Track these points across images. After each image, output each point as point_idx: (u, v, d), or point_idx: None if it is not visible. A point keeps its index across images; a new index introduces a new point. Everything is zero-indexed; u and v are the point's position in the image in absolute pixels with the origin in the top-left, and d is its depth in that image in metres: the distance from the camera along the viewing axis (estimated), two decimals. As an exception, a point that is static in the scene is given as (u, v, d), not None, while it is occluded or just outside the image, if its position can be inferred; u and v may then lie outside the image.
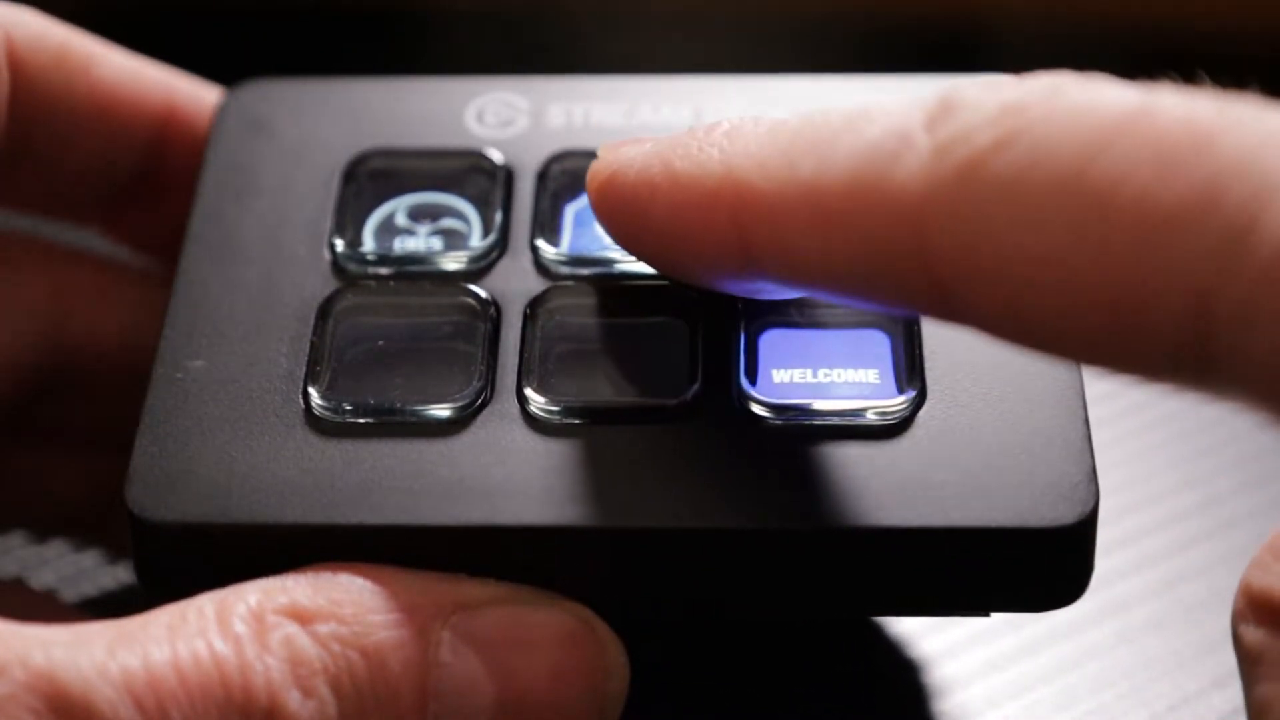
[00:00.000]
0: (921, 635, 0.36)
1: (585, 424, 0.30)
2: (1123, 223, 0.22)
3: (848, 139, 0.25)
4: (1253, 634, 0.28)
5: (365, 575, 0.28)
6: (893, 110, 0.25)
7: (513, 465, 0.29)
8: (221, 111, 0.35)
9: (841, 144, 0.25)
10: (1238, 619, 0.28)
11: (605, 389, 0.30)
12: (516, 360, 0.31)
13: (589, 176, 0.29)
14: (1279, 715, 0.27)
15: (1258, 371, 0.22)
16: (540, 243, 0.32)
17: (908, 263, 0.25)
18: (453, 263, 0.32)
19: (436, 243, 0.33)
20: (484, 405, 0.30)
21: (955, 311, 0.25)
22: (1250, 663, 0.28)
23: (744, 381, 0.30)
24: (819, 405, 0.30)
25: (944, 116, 0.24)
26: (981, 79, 0.25)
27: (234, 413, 0.30)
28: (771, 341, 0.31)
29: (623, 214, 0.29)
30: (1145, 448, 0.41)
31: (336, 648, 0.27)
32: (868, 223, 0.25)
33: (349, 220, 0.33)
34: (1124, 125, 0.23)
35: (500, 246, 0.33)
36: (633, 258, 0.31)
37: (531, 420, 0.30)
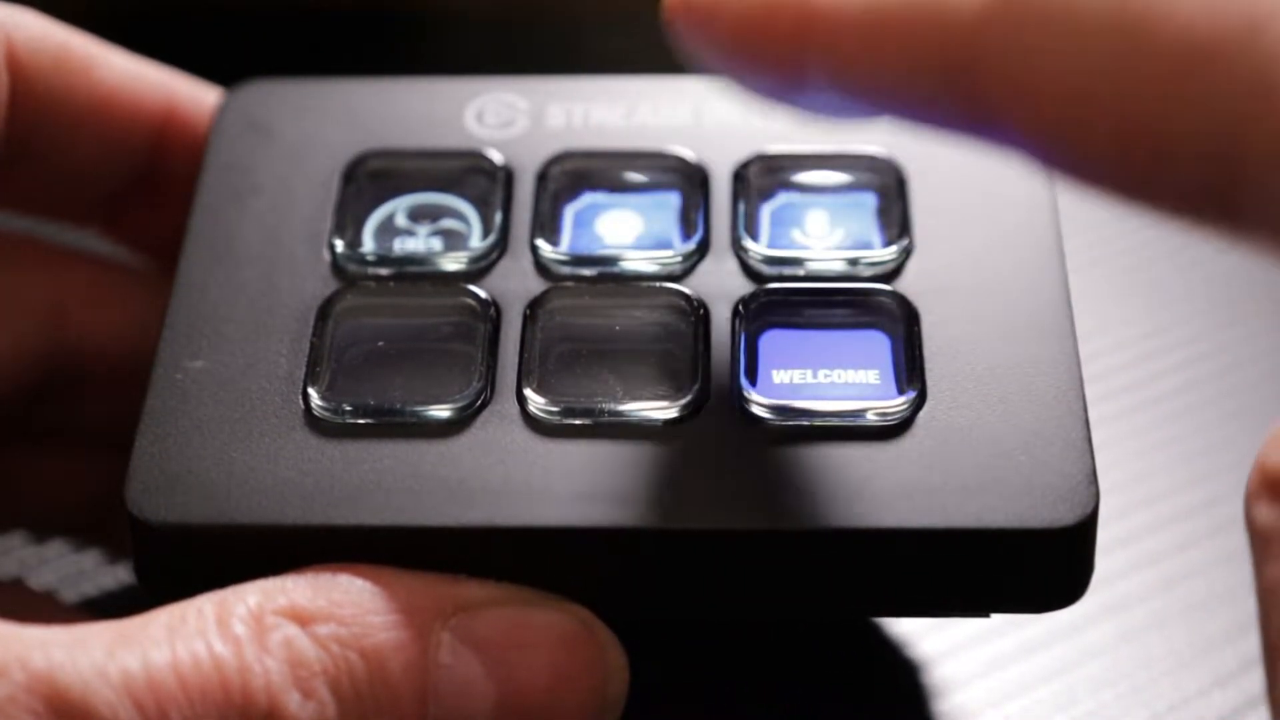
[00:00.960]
0: (921, 635, 0.36)
1: (585, 425, 0.30)
2: (1163, 54, 0.23)
3: None
4: (1266, 513, 0.27)
5: (365, 576, 0.28)
6: None
7: (512, 466, 0.29)
8: (221, 112, 0.35)
9: None
10: (1251, 499, 0.28)
11: (605, 390, 0.30)
12: (516, 361, 0.31)
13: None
14: None
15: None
16: (540, 243, 0.32)
17: (958, 83, 0.25)
18: (453, 263, 0.32)
19: (436, 243, 0.33)
20: (484, 406, 0.30)
21: (1000, 132, 0.25)
22: (1261, 542, 0.27)
23: (744, 382, 0.30)
24: (819, 406, 0.30)
25: None
26: None
27: (234, 413, 0.30)
28: (771, 342, 0.31)
29: (692, 22, 0.28)
30: (1145, 448, 0.41)
31: (336, 649, 0.27)
32: (921, 41, 0.25)
33: (349, 221, 0.33)
34: None
35: (500, 247, 0.33)
36: (632, 248, 0.31)
37: (531, 421, 0.30)
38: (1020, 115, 0.24)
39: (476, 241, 0.33)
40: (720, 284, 0.32)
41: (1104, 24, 0.23)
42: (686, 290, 0.31)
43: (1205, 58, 0.22)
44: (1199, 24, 0.22)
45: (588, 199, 0.33)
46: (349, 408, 0.30)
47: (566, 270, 0.32)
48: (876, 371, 0.30)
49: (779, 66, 0.27)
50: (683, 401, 0.30)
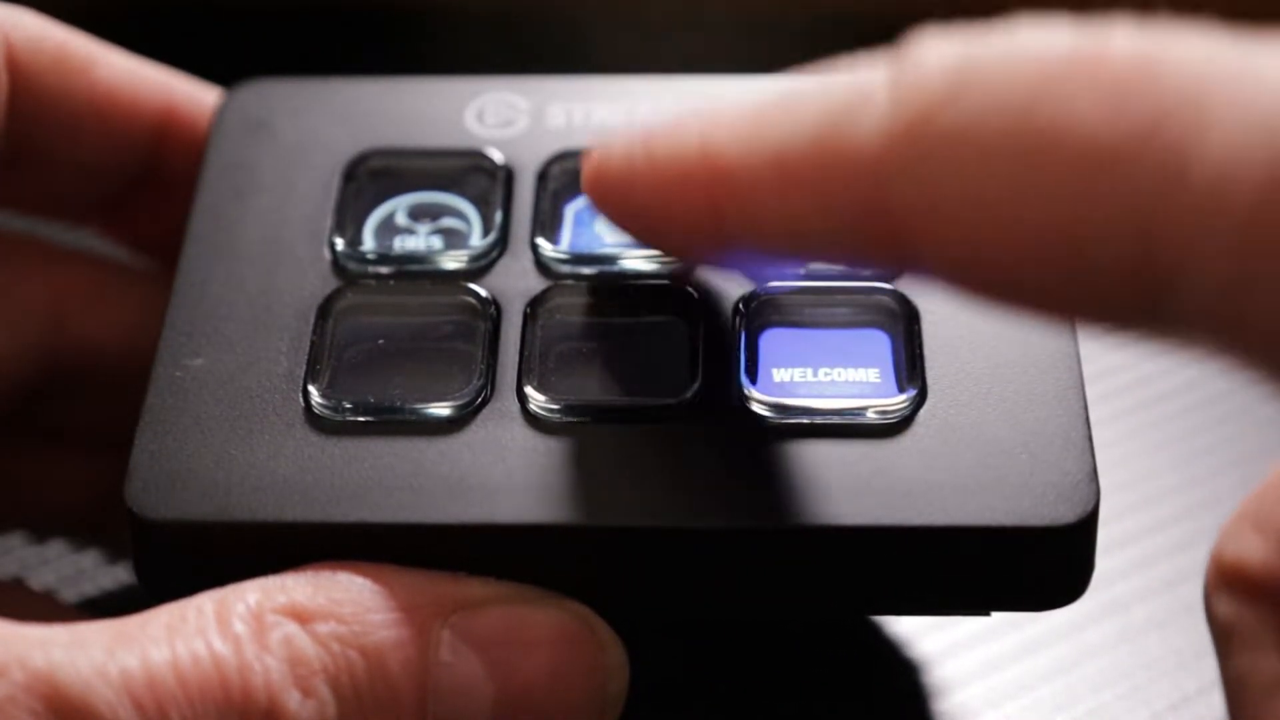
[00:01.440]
0: (921, 635, 0.36)
1: (585, 423, 0.30)
2: (1068, 163, 0.22)
3: (813, 102, 0.25)
4: (1226, 606, 0.27)
5: (365, 574, 0.28)
6: (859, 70, 0.25)
7: (513, 464, 0.29)
8: (221, 111, 0.35)
9: (807, 107, 0.25)
10: (1210, 592, 0.28)
11: (605, 388, 0.30)
12: (516, 359, 0.31)
13: (583, 164, 0.29)
14: (1256, 689, 0.27)
15: (1203, 306, 0.22)
16: (540, 242, 0.32)
17: (869, 219, 0.25)
18: (453, 262, 0.32)
19: (436, 242, 0.33)
20: (484, 404, 0.30)
21: (919, 265, 0.25)
22: (1224, 637, 0.28)
23: (744, 380, 0.30)
24: (819, 404, 0.30)
25: (901, 71, 0.25)
26: (947, 31, 0.25)
27: (234, 411, 0.30)
28: (772, 340, 0.31)
29: (609, 202, 0.29)
30: (1145, 448, 0.41)
31: (336, 647, 0.27)
32: (829, 182, 0.25)
33: (349, 219, 0.33)
34: (1073, 66, 0.23)
35: (500, 246, 0.33)
36: (632, 247, 0.31)
37: (531, 419, 0.30)
38: (936, 244, 0.24)
39: (477, 240, 0.33)
40: (720, 283, 0.32)
41: (1007, 142, 0.23)
42: (686, 289, 0.31)
43: (1110, 161, 0.22)
44: (1100, 130, 0.22)
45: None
46: (349, 405, 0.30)
47: (566, 269, 0.32)
48: (877, 370, 0.30)
49: (698, 230, 0.27)
50: (683, 399, 0.30)
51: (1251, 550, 0.27)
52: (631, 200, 0.28)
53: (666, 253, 0.29)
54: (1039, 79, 0.23)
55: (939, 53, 0.24)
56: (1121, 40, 0.23)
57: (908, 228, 0.24)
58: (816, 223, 0.25)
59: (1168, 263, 0.22)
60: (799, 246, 0.26)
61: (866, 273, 0.32)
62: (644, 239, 0.29)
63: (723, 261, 0.28)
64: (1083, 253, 0.23)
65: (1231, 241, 0.21)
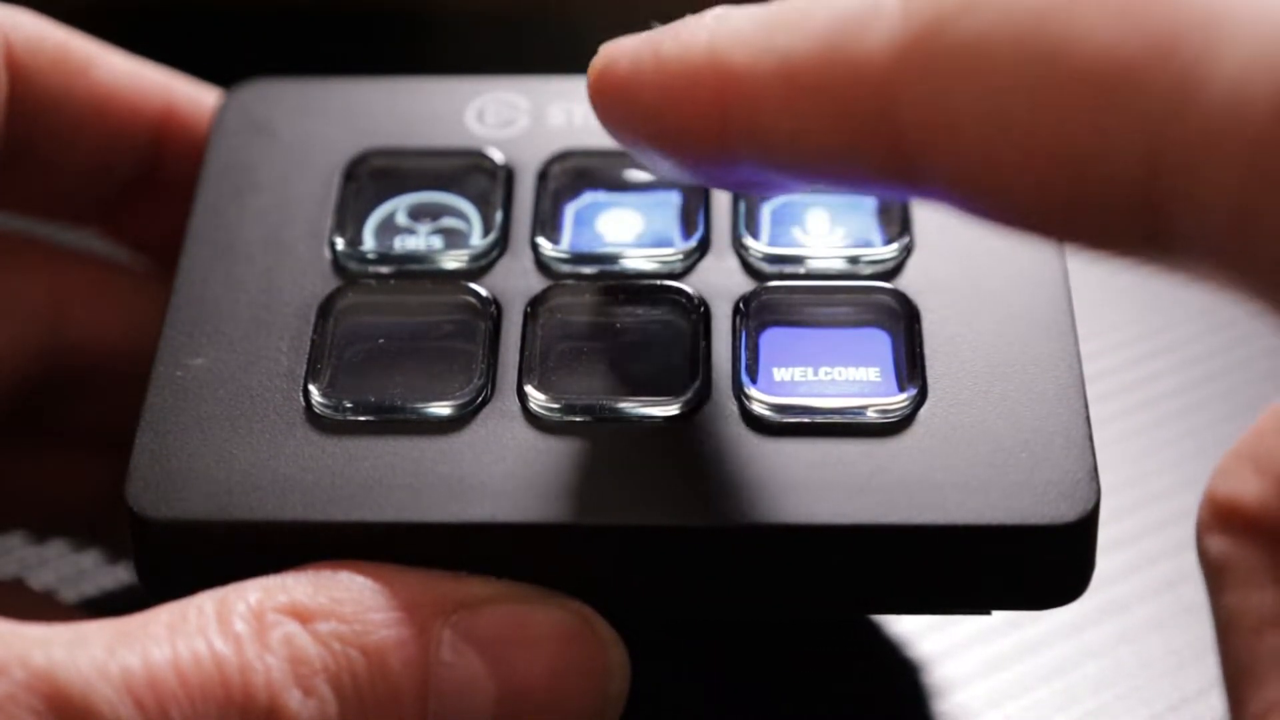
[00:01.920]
0: (921, 635, 0.36)
1: (586, 422, 0.30)
2: (1078, 79, 0.22)
3: (825, 9, 0.25)
4: (1218, 544, 0.27)
5: (366, 573, 0.28)
6: None
7: (513, 463, 0.29)
8: (221, 112, 0.35)
9: (816, 15, 0.25)
10: (1202, 530, 0.28)
11: (606, 387, 0.30)
12: (517, 358, 0.31)
13: (588, 72, 0.28)
14: (1246, 627, 0.26)
15: (1206, 233, 0.22)
16: (541, 241, 0.32)
17: (876, 132, 0.24)
18: (453, 261, 0.32)
19: (437, 241, 0.33)
20: (484, 403, 0.30)
21: (923, 182, 0.24)
22: (1215, 575, 0.27)
23: (745, 379, 0.30)
24: (820, 403, 0.30)
25: None
26: None
27: (234, 411, 0.30)
28: (772, 339, 0.31)
29: (613, 103, 0.28)
30: (1146, 447, 0.41)
31: (337, 646, 0.27)
32: (837, 92, 0.25)
33: (349, 219, 0.33)
34: None
35: (501, 245, 0.33)
36: (631, 248, 0.31)
37: (532, 418, 0.30)
38: (942, 159, 0.24)
39: (477, 240, 0.33)
40: (721, 282, 0.32)
41: (1017, 55, 0.23)
42: (687, 288, 0.31)
43: (1121, 79, 0.22)
44: (1114, 46, 0.22)
45: (588, 197, 0.34)
46: (350, 405, 0.30)
47: (567, 268, 0.32)
48: (877, 369, 0.30)
49: (704, 136, 0.26)
50: (684, 399, 0.30)
51: (1247, 488, 0.27)
52: (637, 102, 0.27)
53: (668, 166, 0.28)
54: None
55: None
56: None
57: (914, 141, 0.24)
58: (823, 134, 0.25)
59: (1173, 186, 0.22)
60: (804, 159, 0.26)
61: (868, 271, 0.32)
62: (648, 145, 0.28)
63: (727, 175, 0.27)
64: (1088, 171, 0.22)
65: (1239, 168, 0.21)
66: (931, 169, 0.24)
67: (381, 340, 0.31)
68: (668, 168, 0.28)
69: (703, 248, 0.32)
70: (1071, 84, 0.22)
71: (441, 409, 0.30)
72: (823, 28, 0.25)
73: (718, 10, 0.27)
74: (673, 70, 0.26)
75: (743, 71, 0.25)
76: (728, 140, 0.26)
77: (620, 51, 0.28)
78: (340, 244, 0.33)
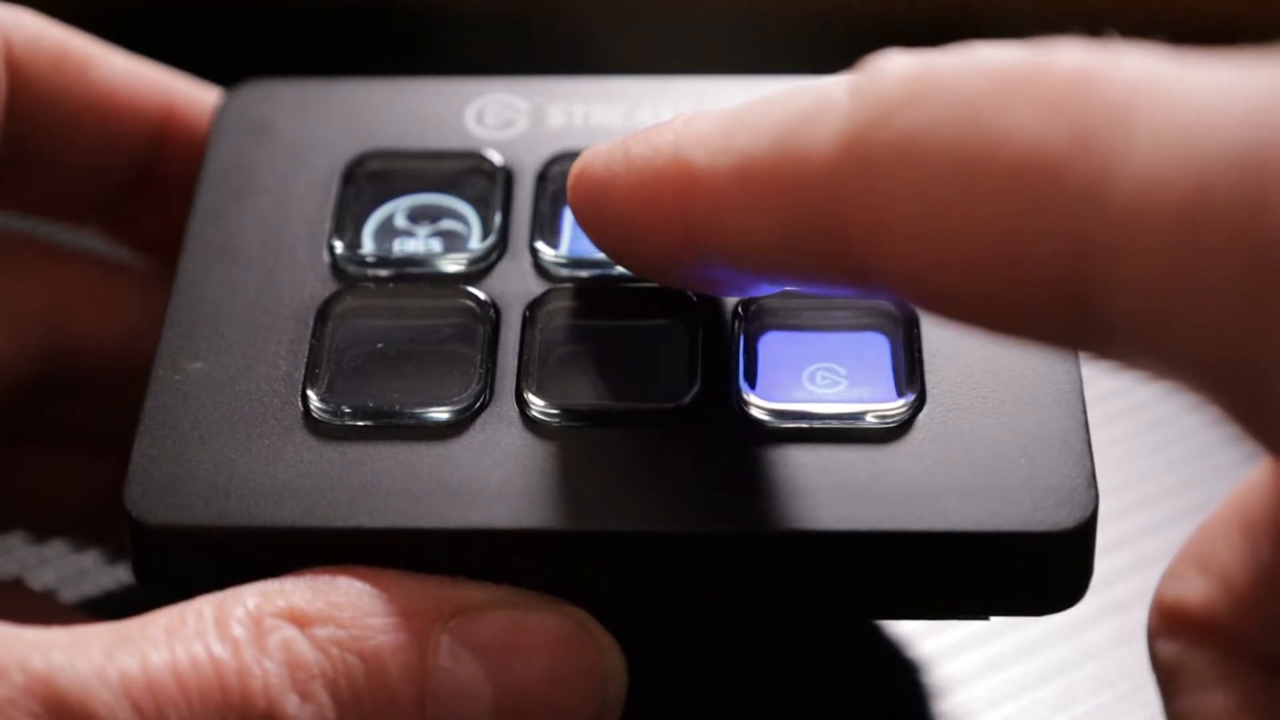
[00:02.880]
0: (921, 635, 0.36)
1: (584, 427, 0.30)
2: (1002, 175, 0.22)
3: (779, 110, 0.25)
4: (1168, 648, 0.28)
5: (364, 578, 0.28)
6: (826, 80, 0.25)
7: (512, 468, 0.29)
8: (221, 112, 0.35)
9: (772, 115, 0.25)
10: (1152, 636, 0.28)
11: (604, 392, 0.30)
12: (515, 363, 0.31)
13: (568, 177, 0.29)
14: None
15: (1129, 325, 0.22)
16: (540, 245, 0.32)
17: (824, 230, 0.25)
18: (452, 265, 0.32)
19: (436, 244, 0.33)
20: (483, 408, 0.30)
21: (871, 280, 0.25)
22: (1167, 679, 0.28)
23: (743, 384, 0.30)
24: (818, 409, 0.30)
25: (863, 80, 0.25)
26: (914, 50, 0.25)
27: (233, 415, 0.30)
28: (770, 344, 0.31)
29: (588, 206, 0.29)
30: (1145, 449, 0.41)
31: (335, 651, 0.27)
32: (786, 190, 0.25)
33: (348, 222, 0.33)
34: (1017, 79, 0.23)
35: (499, 248, 0.33)
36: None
37: (530, 423, 0.30)
38: (880, 255, 0.24)
39: (476, 243, 0.33)
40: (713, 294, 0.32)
41: (946, 155, 0.23)
42: (686, 292, 0.31)
43: (1043, 174, 0.22)
44: (1033, 142, 0.22)
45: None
46: (348, 410, 0.30)
47: (566, 272, 0.32)
48: (876, 374, 0.30)
49: (670, 237, 0.27)
50: (682, 404, 0.30)
51: (1192, 591, 0.27)
52: (609, 206, 0.28)
53: (640, 270, 0.29)
54: (985, 91, 0.23)
55: (898, 64, 0.24)
56: (1067, 55, 0.23)
57: (856, 239, 0.24)
58: (775, 234, 0.25)
59: (1095, 281, 0.22)
60: (762, 260, 0.26)
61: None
62: (619, 253, 0.29)
63: (700, 276, 0.28)
64: (1016, 267, 0.23)
65: (1151, 264, 0.21)
66: (874, 267, 0.24)
67: (380, 344, 0.31)
68: (644, 271, 0.29)
69: (702, 251, 0.32)
70: (997, 180, 0.23)
71: (440, 414, 0.30)
72: (777, 125, 0.25)
73: (688, 113, 0.27)
74: (641, 171, 0.27)
75: (704, 172, 0.26)
76: (693, 241, 0.27)
77: (595, 155, 0.28)
78: (339, 247, 0.32)
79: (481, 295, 0.32)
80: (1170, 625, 0.28)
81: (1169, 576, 0.28)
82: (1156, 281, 0.21)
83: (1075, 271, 0.22)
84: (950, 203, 0.23)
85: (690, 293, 0.31)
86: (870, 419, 0.29)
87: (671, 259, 0.28)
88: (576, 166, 0.29)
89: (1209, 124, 0.21)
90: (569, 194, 0.29)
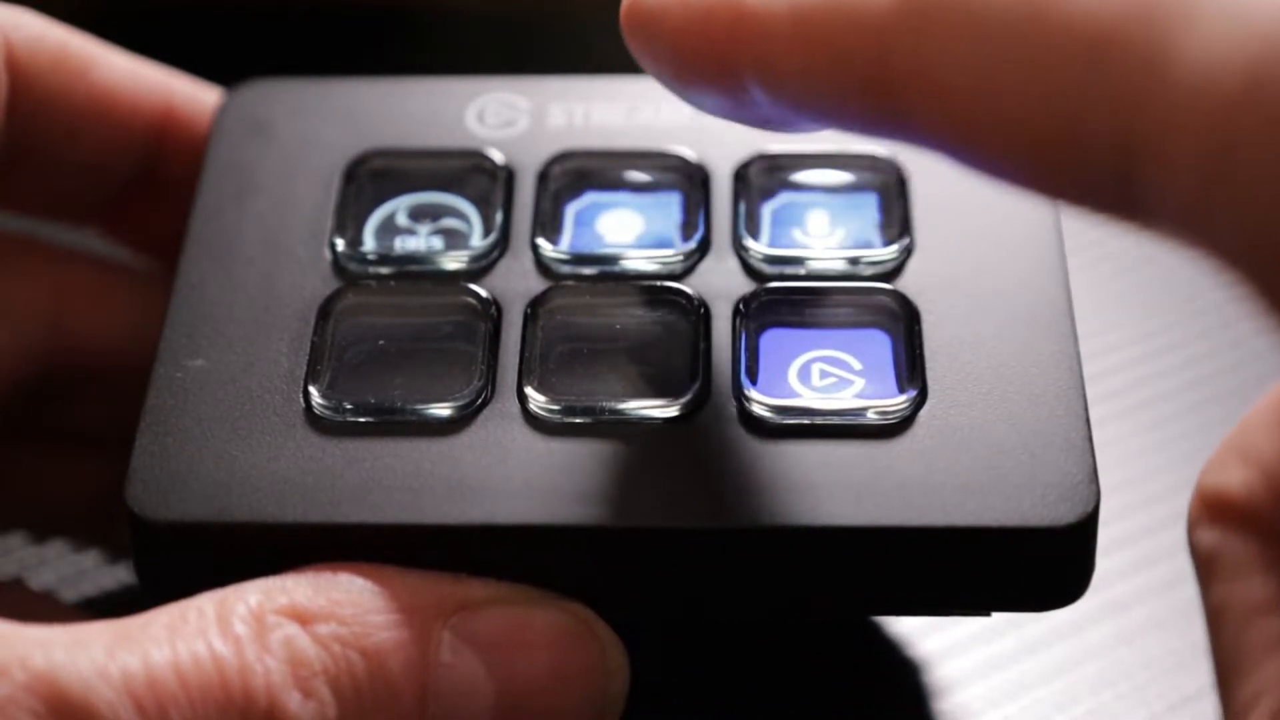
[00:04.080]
0: (921, 635, 0.36)
1: (586, 424, 0.30)
2: (1059, 43, 0.23)
3: None
4: (1208, 536, 0.28)
5: (365, 575, 0.28)
6: None
7: (513, 465, 0.29)
8: (221, 112, 0.35)
9: None
10: (1192, 524, 0.28)
11: (606, 388, 0.30)
12: (517, 360, 0.31)
13: (621, 2, 0.29)
14: (1235, 616, 0.27)
15: (1176, 202, 0.22)
16: (541, 242, 0.32)
17: (871, 79, 0.25)
18: (453, 262, 0.32)
19: (437, 242, 0.33)
20: (484, 405, 0.30)
21: (913, 130, 0.25)
22: (1205, 566, 0.28)
23: (745, 381, 0.30)
24: (819, 405, 0.30)
25: None
26: None
27: (234, 412, 0.30)
28: (772, 340, 0.31)
29: (639, 33, 0.28)
30: (1145, 448, 0.41)
31: (337, 648, 0.27)
32: (838, 38, 0.25)
33: (349, 220, 0.33)
34: None
35: (501, 246, 0.33)
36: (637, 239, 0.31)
37: (532, 420, 0.30)
38: (929, 110, 0.24)
39: (477, 241, 0.33)
40: (721, 283, 0.32)
41: (1005, 16, 0.23)
42: (687, 289, 0.31)
43: (1102, 45, 0.22)
44: (1095, 11, 0.22)
45: (589, 198, 0.34)
46: (350, 406, 0.30)
47: (567, 269, 0.32)
48: (877, 370, 0.30)
49: (719, 69, 0.27)
50: (683, 400, 0.30)
51: (1234, 479, 0.27)
52: (661, 33, 0.28)
53: (691, 93, 0.28)
54: None
55: None
56: None
57: (904, 91, 0.24)
58: (823, 76, 0.26)
59: (1145, 152, 0.22)
60: (807, 98, 0.26)
61: (868, 272, 0.32)
62: (671, 74, 0.28)
63: (742, 109, 0.28)
64: (1066, 132, 0.23)
65: (1203, 140, 0.21)
66: (920, 119, 0.24)
67: (381, 341, 0.31)
68: (693, 99, 0.28)
69: (703, 249, 0.32)
70: (1052, 47, 0.23)
71: (441, 410, 0.30)
72: None
73: None
74: (693, 5, 0.27)
75: (758, 10, 0.26)
76: (740, 74, 0.27)
77: None
78: (340, 245, 0.33)
79: (483, 293, 0.32)
80: (1211, 512, 0.28)
81: (1211, 465, 0.28)
82: (1203, 163, 0.21)
83: (1123, 145, 0.22)
84: (1005, 67, 0.23)
85: (691, 291, 0.31)
86: (872, 415, 0.29)
87: (718, 92, 0.28)
88: None
89: (1267, 9, 0.21)
90: (622, 22, 0.29)
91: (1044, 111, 0.23)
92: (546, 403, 0.30)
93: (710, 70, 0.27)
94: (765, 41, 0.26)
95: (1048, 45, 0.23)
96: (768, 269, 0.32)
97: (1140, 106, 0.22)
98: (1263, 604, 0.27)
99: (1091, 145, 0.22)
